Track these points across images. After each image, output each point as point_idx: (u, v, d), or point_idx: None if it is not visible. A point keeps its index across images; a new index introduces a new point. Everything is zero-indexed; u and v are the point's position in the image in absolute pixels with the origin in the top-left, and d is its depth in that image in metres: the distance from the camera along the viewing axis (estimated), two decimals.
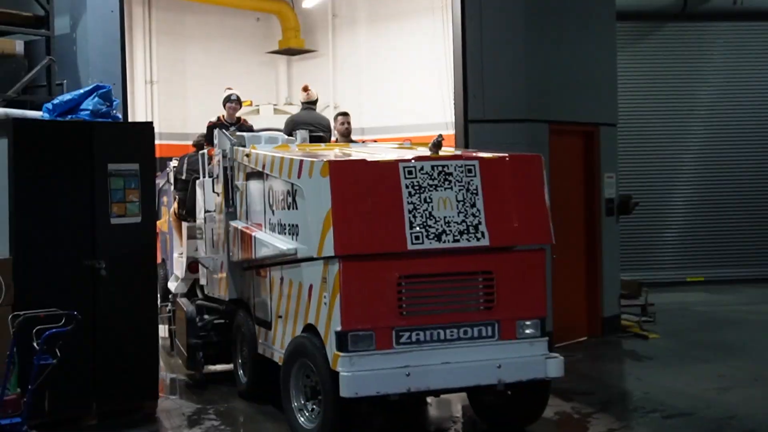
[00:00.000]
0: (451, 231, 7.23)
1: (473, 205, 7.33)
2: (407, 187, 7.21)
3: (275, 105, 18.67)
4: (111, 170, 8.61)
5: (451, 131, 12.60)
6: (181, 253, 11.54)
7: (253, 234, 8.68)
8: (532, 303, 7.52)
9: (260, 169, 8.64)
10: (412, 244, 7.14)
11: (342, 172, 7.14)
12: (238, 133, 9.60)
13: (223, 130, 9.82)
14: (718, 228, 18.62)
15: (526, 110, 11.40)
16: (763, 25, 19.02)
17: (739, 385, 9.70)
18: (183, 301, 10.43)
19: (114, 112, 9.11)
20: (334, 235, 6.98)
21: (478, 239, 7.29)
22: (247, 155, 8.99)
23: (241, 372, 9.63)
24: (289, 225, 7.94)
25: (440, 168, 7.31)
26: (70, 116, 8.85)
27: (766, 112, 19.04)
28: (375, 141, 12.73)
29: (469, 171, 7.39)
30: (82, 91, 9.02)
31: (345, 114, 11.06)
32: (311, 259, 7.47)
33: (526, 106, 11.39)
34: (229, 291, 9.56)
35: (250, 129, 11.02)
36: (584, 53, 12.00)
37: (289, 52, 19.44)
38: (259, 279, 8.94)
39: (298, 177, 7.57)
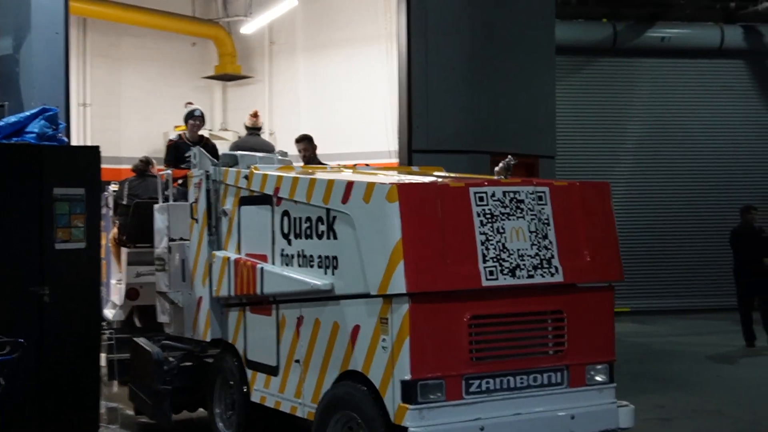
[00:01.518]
0: (525, 266, 6.44)
1: (545, 237, 6.57)
2: (479, 215, 6.38)
3: (210, 130, 18.34)
4: (56, 194, 8.45)
5: (395, 160, 12.38)
6: (120, 280, 11.05)
7: (259, 266, 7.61)
8: (602, 346, 6.81)
9: (268, 193, 7.60)
10: (486, 280, 6.30)
11: (412, 197, 6.23)
12: (225, 152, 8.52)
13: (200, 149, 8.70)
14: (644, 258, 18.85)
15: (469, 141, 11.26)
16: (687, 62, 19.90)
17: (680, 416, 9.74)
18: (144, 341, 9.18)
19: (60, 135, 8.89)
20: (405, 270, 6.06)
21: (552, 275, 6.53)
22: (247, 177, 7.93)
23: (220, 423, 8.49)
24: (320, 257, 6.94)
25: (512, 194, 6.52)
26: (14, 139, 8.58)
27: (692, 145, 19.68)
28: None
29: (540, 198, 6.63)
30: (28, 113, 8.79)
31: (301, 140, 10.17)
32: (356, 296, 6.51)
33: (470, 137, 11.24)
34: (211, 330, 8.41)
35: (213, 148, 9.93)
36: (525, 86, 11.99)
37: (225, 77, 19.34)
38: (258, 318, 7.87)
39: (344, 202, 6.60)
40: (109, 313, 11.36)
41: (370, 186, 6.35)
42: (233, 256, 8.10)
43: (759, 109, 20.61)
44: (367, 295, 6.40)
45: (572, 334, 6.62)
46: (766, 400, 10.79)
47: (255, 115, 11.32)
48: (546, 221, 6.59)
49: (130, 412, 9.87)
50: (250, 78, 19.23)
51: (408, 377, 6.08)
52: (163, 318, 9.37)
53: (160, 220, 9.39)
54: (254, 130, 11.21)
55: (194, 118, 10.12)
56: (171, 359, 8.94)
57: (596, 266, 6.72)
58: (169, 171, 9.51)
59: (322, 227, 6.90)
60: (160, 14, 18.51)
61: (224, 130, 19.25)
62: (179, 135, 10.25)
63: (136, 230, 10.52)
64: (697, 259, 19.21)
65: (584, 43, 19.17)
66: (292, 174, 7.44)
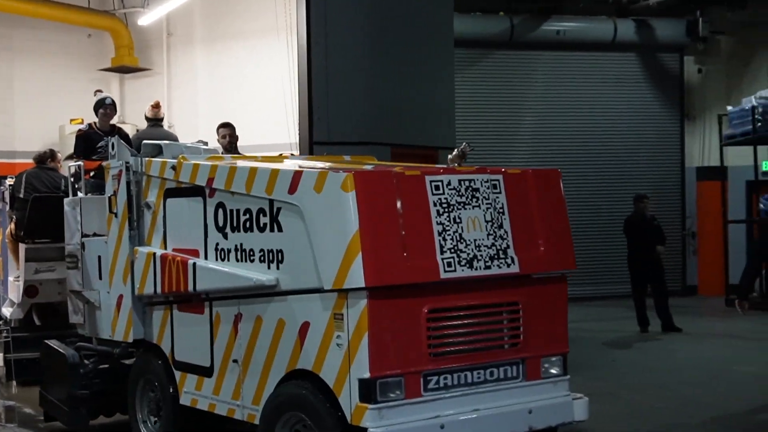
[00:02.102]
0: (482, 257, 6.22)
1: (501, 226, 6.37)
2: (435, 204, 6.12)
3: None
4: None
5: (296, 152, 12.30)
6: (18, 277, 10.56)
7: (191, 262, 7.18)
8: (555, 338, 6.66)
9: (200, 184, 7.17)
10: (445, 272, 6.05)
11: (369, 186, 5.92)
12: (147, 142, 8.03)
13: (118, 139, 8.19)
14: None
15: (369, 133, 11.14)
16: (582, 55, 20.25)
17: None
18: (56, 344, 8.61)
19: None
20: (363, 263, 5.75)
21: (508, 265, 6.33)
22: (174, 168, 7.47)
23: (143, 428, 8.02)
24: (262, 251, 6.57)
25: (467, 183, 6.28)
26: None
27: (586, 136, 20.08)
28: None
29: (494, 187, 6.42)
30: None
31: (227, 125, 9.70)
32: (304, 291, 6.18)
33: (370, 129, 11.14)
34: (133, 330, 7.92)
35: (126, 138, 9.38)
36: (425, 78, 12.01)
37: (122, 69, 19.23)
38: (187, 316, 7.45)
39: (291, 192, 6.25)
40: (6, 311, 10.92)
41: (322, 175, 6.01)
42: (159, 251, 7.64)
43: (650, 101, 21.09)
44: (318, 290, 6.06)
45: (527, 327, 6.44)
46: (658, 381, 10.97)
47: (157, 106, 10.85)
48: (501, 210, 6.38)
49: (29, 411, 9.51)
50: (148, 70, 19.04)
51: (367, 375, 5.78)
52: (75, 318, 8.81)
53: (70, 215, 8.82)
54: (156, 121, 10.73)
55: (105, 107, 9.55)
56: (87, 362, 8.40)
57: (551, 256, 6.56)
58: (80, 162, 8.93)
59: (265, 219, 6.53)
60: (54, 5, 18.17)
61: (122, 123, 18.32)
62: (89, 124, 9.65)
63: (35, 225, 10.04)
64: (593, 248, 19.40)
65: (482, 36, 19.34)
66: (229, 163, 7.03)
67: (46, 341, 8.82)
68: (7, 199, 10.81)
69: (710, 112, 20.94)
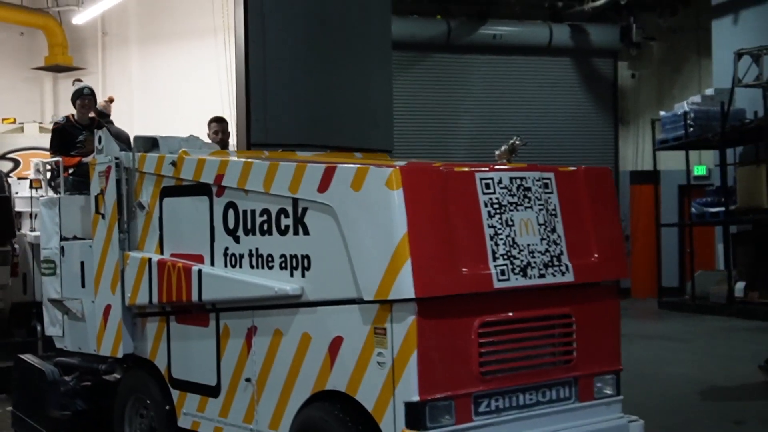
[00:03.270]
0: (536, 263, 5.57)
1: (554, 230, 5.71)
2: (486, 205, 5.45)
3: (40, 123, 17.98)
4: None
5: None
6: None
7: (195, 268, 6.42)
8: (608, 354, 6.02)
9: (206, 181, 6.42)
10: (498, 281, 5.38)
11: (418, 184, 5.23)
12: (140, 135, 7.24)
13: (106, 132, 7.39)
14: None
15: (307, 136, 10.75)
16: (518, 59, 20.56)
17: None
18: (32, 358, 7.78)
19: None
20: (413, 271, 5.06)
21: (562, 273, 5.69)
22: (174, 163, 6.70)
23: None
24: (283, 257, 5.84)
25: (519, 181, 5.63)
26: None
27: (523, 138, 19.63)
28: None
29: (546, 186, 5.77)
30: None
31: (220, 120, 8.93)
32: (336, 302, 5.48)
33: (308, 131, 10.80)
34: (123, 344, 7.13)
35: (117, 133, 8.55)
36: (362, 80, 11.87)
37: (55, 68, 19.17)
38: (188, 329, 6.69)
39: (321, 191, 5.53)
40: None
41: (362, 171, 5.31)
42: (155, 257, 6.86)
43: (585, 105, 21.44)
44: (354, 301, 5.36)
45: (580, 342, 5.80)
46: None
47: (111, 101, 10.11)
48: (553, 212, 5.74)
49: None
50: (82, 69, 19.03)
51: (415, 398, 5.09)
52: (53, 330, 7.98)
53: (47, 216, 8.00)
54: (107, 116, 9.91)
55: (83, 97, 8.69)
56: (67, 379, 7.58)
57: (604, 263, 5.93)
58: (58, 158, 8.10)
59: (287, 221, 5.81)
60: None
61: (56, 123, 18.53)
62: (66, 117, 8.80)
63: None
64: None
65: (419, 39, 19.46)
66: (243, 159, 6.29)
67: (19, 355, 7.96)
68: None
69: (643, 116, 21.32)
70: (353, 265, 5.33)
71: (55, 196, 7.99)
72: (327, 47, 11.03)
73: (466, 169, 5.47)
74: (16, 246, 9.78)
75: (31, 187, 10.02)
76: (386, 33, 12.23)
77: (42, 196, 10.18)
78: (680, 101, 18.35)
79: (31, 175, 10.73)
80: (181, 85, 16.58)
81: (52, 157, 8.33)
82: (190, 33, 17.26)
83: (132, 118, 16.55)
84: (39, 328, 9.86)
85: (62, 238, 7.81)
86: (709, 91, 18.06)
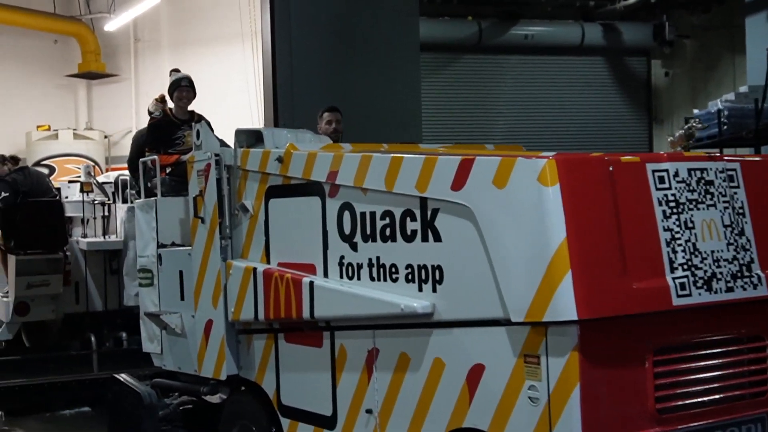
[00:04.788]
0: (722, 274, 4.50)
1: (742, 233, 4.64)
2: (660, 202, 4.42)
3: (75, 130, 18.52)
4: None
5: None
6: (6, 293, 9.46)
7: (306, 280, 5.54)
8: None
9: (317, 179, 5.53)
10: (677, 296, 4.34)
11: (579, 178, 4.24)
12: (242, 128, 6.42)
13: (204, 126, 6.58)
14: None
15: None
16: (550, 59, 20.13)
17: None
18: (128, 378, 7.03)
19: None
20: (575, 286, 4.07)
21: (754, 286, 4.62)
22: (281, 159, 5.84)
23: None
24: (409, 267, 4.91)
25: (699, 174, 4.57)
26: None
27: (555, 139, 19.68)
28: None
29: (731, 179, 4.70)
30: None
31: (333, 109, 8.05)
32: (476, 323, 4.52)
33: None
34: (226, 365, 6.30)
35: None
36: (390, 83, 11.86)
37: (89, 75, 19.46)
38: (299, 349, 5.82)
39: (456, 188, 4.58)
40: None
41: (507, 163, 4.33)
42: (260, 266, 6.02)
43: (618, 104, 20.89)
44: (499, 322, 4.40)
45: None
46: None
47: (162, 100, 9.36)
48: (741, 211, 4.68)
49: None
50: (115, 76, 19.35)
51: None
52: (150, 347, 7.22)
53: (143, 220, 7.25)
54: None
55: (181, 89, 7.91)
56: (167, 401, 6.81)
57: None
58: (154, 157, 7.34)
59: (414, 225, 4.88)
60: (18, 11, 18.15)
61: (89, 129, 19.21)
62: (163, 111, 8.04)
63: (28, 234, 9.03)
64: None
65: (450, 41, 19.11)
66: (360, 152, 5.38)
67: (114, 375, 7.23)
68: None
69: (677, 115, 20.34)
70: (497, 278, 4.37)
71: (151, 198, 7.22)
72: (354, 51, 11.18)
73: (636, 158, 4.45)
74: (68, 253, 9.17)
75: (81, 191, 9.42)
76: (414, 35, 12.27)
77: (95, 200, 9.63)
78: (714, 99, 17.25)
79: (82, 178, 10.11)
80: (211, 90, 17.21)
81: (147, 155, 7.58)
82: (219, 39, 17.49)
83: None
84: (93, 339, 9.23)
85: (159, 245, 7.04)
86: (743, 89, 17.11)
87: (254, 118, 14.52)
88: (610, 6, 20.13)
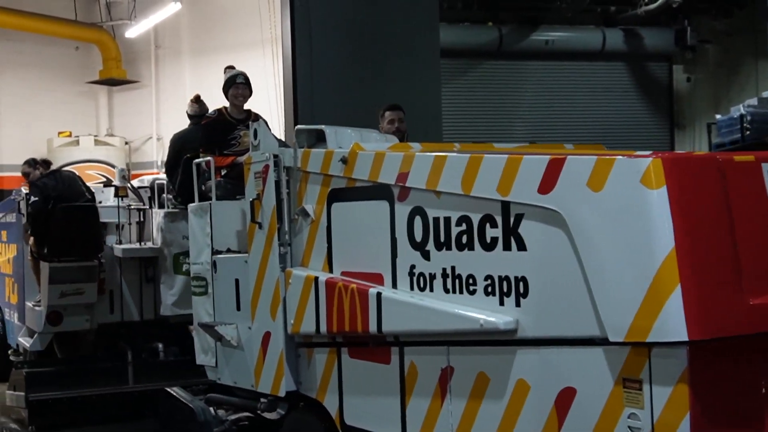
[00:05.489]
0: None
1: None
2: None
3: (96, 136, 18.67)
4: None
5: None
6: (38, 302, 9.08)
7: (373, 291, 5.09)
8: None
9: (386, 182, 5.09)
10: None
11: (688, 179, 3.74)
12: (302, 127, 5.99)
13: (263, 124, 6.16)
14: None
15: None
16: (571, 65, 20.27)
17: None
18: (180, 392, 6.63)
19: None
20: (684, 302, 3.58)
21: None
22: (345, 160, 5.40)
23: None
24: (489, 278, 4.44)
25: None
26: None
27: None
28: None
29: None
30: None
31: (395, 108, 7.61)
32: (566, 341, 4.03)
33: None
34: (285, 380, 5.87)
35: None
36: (410, 88, 11.51)
37: (110, 82, 19.73)
38: (365, 365, 5.37)
39: (543, 191, 4.11)
40: (25, 341, 9.35)
41: (604, 163, 3.85)
42: (322, 275, 5.58)
43: (640, 110, 20.89)
44: (594, 341, 3.91)
45: None
46: None
47: (197, 100, 9.04)
48: None
49: None
50: (136, 82, 19.59)
51: None
52: (204, 359, 6.81)
53: (197, 226, 6.84)
54: (200, 118, 8.79)
55: (236, 86, 7.50)
56: (222, 416, 6.40)
57: None
58: (209, 158, 6.94)
59: (494, 232, 4.41)
60: (39, 18, 18.25)
61: (110, 135, 19.43)
62: (218, 110, 7.63)
63: (62, 240, 8.57)
64: None
65: (470, 46, 19.14)
66: (434, 153, 4.92)
67: (166, 389, 6.83)
68: (24, 210, 9.13)
69: (699, 120, 20.39)
70: (592, 292, 3.89)
71: (205, 202, 6.81)
72: (374, 57, 11.04)
73: (750, 157, 3.94)
74: (103, 261, 8.82)
75: (116, 195, 9.06)
76: (434, 41, 12.16)
77: (130, 205, 9.30)
78: (737, 104, 17.36)
79: (116, 182, 9.74)
80: None
81: (201, 157, 7.18)
82: (239, 45, 17.51)
83: None
84: (129, 352, 8.86)
85: (214, 252, 6.63)
86: (765, 94, 17.21)
87: (274, 124, 14.98)
88: (631, 11, 20.03)
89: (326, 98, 10.69)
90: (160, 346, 9.31)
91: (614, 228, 3.82)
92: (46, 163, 9.92)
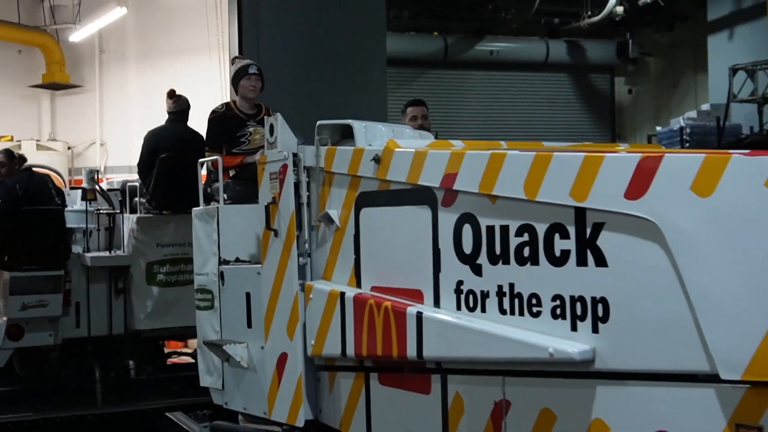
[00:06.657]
0: None
1: None
2: None
3: (38, 141, 18.62)
4: None
5: None
6: None
7: (412, 310, 4.41)
8: None
9: (428, 184, 4.41)
10: None
11: None
12: (325, 122, 5.31)
13: (280, 118, 5.47)
14: None
15: None
16: (515, 75, 20.68)
17: None
18: (182, 418, 5.95)
19: None
20: None
21: None
22: (377, 159, 4.72)
23: None
24: (558, 299, 3.77)
25: None
26: None
27: None
28: None
29: None
30: None
31: (418, 102, 6.97)
32: (662, 376, 3.36)
33: None
34: (303, 408, 5.19)
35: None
36: (357, 98, 11.58)
37: (53, 86, 19.56)
38: (398, 394, 4.69)
39: (632, 196, 3.44)
40: None
41: (715, 162, 3.18)
42: (349, 290, 4.90)
43: (582, 120, 21.29)
44: (693, 377, 3.24)
45: None
46: None
47: (171, 95, 8.50)
48: None
49: None
50: (80, 87, 19.44)
51: None
52: (209, 380, 6.13)
53: (202, 232, 6.15)
54: (177, 114, 8.22)
55: (249, 77, 6.79)
56: None
57: None
58: (215, 156, 6.24)
59: (566, 244, 3.73)
60: None
61: (53, 140, 19.27)
62: (226, 104, 6.93)
63: (24, 247, 8.07)
64: None
65: (416, 56, 19.47)
66: (485, 150, 4.24)
67: (167, 414, 6.15)
68: None
69: (640, 132, 20.84)
70: (698, 319, 3.22)
71: (211, 206, 6.12)
72: (321, 65, 11.15)
73: None
74: (69, 270, 8.15)
75: (83, 198, 8.37)
76: (381, 50, 12.25)
77: (99, 209, 8.65)
78: (677, 116, 17.83)
79: (84, 184, 9.03)
80: None
81: (207, 155, 6.48)
82: (185, 51, 17.70)
83: (131, 135, 16.60)
84: (97, 371, 8.20)
85: (221, 261, 5.95)
86: (705, 107, 17.72)
87: None
88: (575, 23, 20.28)
89: (273, 104, 10.38)
90: (131, 363, 8.70)
91: (728, 241, 3.16)
92: (22, 158, 9.17)
